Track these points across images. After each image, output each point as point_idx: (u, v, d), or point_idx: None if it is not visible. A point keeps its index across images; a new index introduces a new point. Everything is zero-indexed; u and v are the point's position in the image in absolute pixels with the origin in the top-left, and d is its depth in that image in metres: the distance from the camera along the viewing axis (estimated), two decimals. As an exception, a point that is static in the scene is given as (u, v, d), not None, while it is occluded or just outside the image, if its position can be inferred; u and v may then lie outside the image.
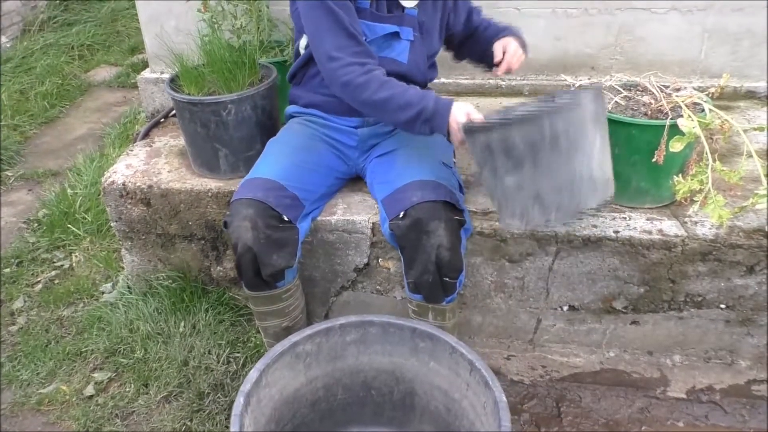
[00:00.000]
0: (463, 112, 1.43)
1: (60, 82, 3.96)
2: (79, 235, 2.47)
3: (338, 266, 1.79)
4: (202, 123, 1.81)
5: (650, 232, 1.60)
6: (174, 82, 1.88)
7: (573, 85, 1.65)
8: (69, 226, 2.50)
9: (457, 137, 1.44)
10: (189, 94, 1.81)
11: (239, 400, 1.32)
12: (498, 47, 1.69)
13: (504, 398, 1.29)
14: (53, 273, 2.36)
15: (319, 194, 1.67)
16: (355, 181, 1.83)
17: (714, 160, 1.42)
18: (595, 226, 1.62)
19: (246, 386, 1.35)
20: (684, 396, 1.76)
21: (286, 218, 1.52)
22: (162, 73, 2.41)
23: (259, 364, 1.40)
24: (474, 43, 1.81)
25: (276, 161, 1.62)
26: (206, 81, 1.83)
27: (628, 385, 1.80)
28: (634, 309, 1.71)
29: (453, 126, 1.44)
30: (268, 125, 1.86)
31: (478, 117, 1.43)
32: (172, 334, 1.96)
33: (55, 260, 2.43)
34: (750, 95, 2.22)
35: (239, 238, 1.49)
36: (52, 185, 2.89)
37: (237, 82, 1.79)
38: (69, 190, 2.71)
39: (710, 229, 1.59)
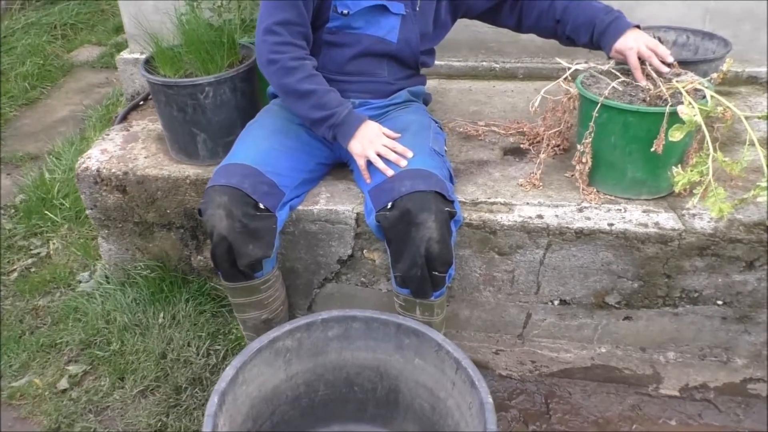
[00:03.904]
0: (374, 132, 1.49)
1: (41, 62, 3.85)
2: (57, 221, 2.39)
3: (321, 257, 1.72)
4: (178, 107, 1.72)
5: (646, 225, 1.53)
6: (149, 64, 1.79)
7: (568, 69, 1.57)
8: (46, 212, 2.42)
9: (360, 162, 1.51)
10: (165, 76, 1.72)
11: (213, 400, 1.26)
12: (631, 57, 1.53)
13: (490, 399, 1.23)
14: (30, 261, 2.28)
15: (299, 180, 1.59)
16: (340, 168, 1.75)
17: (715, 150, 1.35)
18: (588, 219, 1.55)
19: (221, 384, 1.29)
20: (677, 394, 1.71)
21: (262, 206, 1.45)
22: (141, 53, 2.32)
23: (236, 362, 1.34)
24: (543, 19, 1.69)
25: (253, 145, 1.54)
26: (183, 62, 1.74)
27: (619, 381, 1.75)
28: (627, 304, 1.64)
29: (355, 150, 1.50)
30: (248, 109, 1.78)
31: (391, 135, 1.51)
32: (150, 325, 1.89)
33: (31, 248, 2.35)
34: (752, 80, 2.15)
35: (214, 226, 1.41)
36: (30, 170, 2.80)
37: (215, 64, 1.70)
38: (47, 175, 2.62)
39: (709, 222, 1.52)
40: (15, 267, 2.25)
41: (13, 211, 2.55)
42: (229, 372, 1.31)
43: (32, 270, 2.24)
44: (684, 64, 1.59)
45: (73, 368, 1.80)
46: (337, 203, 1.64)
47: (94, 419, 1.65)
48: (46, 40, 4.12)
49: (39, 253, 2.31)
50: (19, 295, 2.11)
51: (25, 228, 2.42)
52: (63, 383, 1.76)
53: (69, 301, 2.03)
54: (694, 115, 1.31)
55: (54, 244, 2.32)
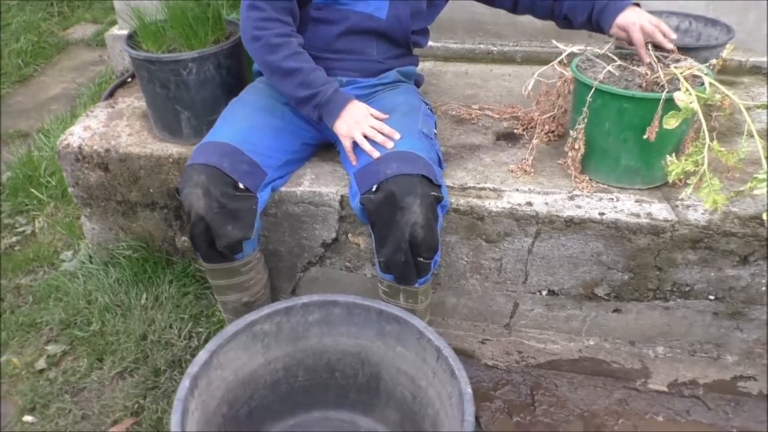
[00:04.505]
0: (360, 113, 1.45)
1: (36, 39, 3.79)
2: (43, 200, 2.35)
3: (305, 241, 1.68)
4: (161, 83, 1.67)
5: (638, 216, 1.48)
6: (132, 39, 1.74)
7: (563, 52, 1.52)
8: (32, 190, 2.38)
9: (345, 143, 1.47)
10: (148, 51, 1.67)
11: (185, 383, 1.23)
12: (635, 32, 1.47)
13: (469, 390, 1.19)
14: (14, 239, 2.25)
15: (283, 161, 1.55)
16: (327, 148, 1.70)
17: (711, 140, 1.30)
18: (579, 207, 1.51)
19: (193, 368, 1.26)
20: (665, 389, 1.67)
21: (242, 186, 1.41)
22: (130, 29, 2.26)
23: (210, 345, 1.31)
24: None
25: (234, 124, 1.50)
26: (167, 37, 1.69)
27: (607, 375, 1.71)
28: (617, 296, 1.60)
29: (340, 130, 1.46)
30: (234, 86, 1.73)
31: (379, 115, 1.47)
32: (132, 306, 1.86)
33: (17, 225, 2.32)
34: (756, 70, 2.09)
35: (191, 206, 1.37)
36: (20, 147, 2.75)
37: (199, 39, 1.65)
38: (35, 153, 2.58)
39: (703, 214, 1.47)
40: (-1, 244, 2.22)
41: (-1, 188, 2.52)
42: (202, 356, 1.28)
43: (16, 248, 2.21)
44: (685, 50, 1.54)
45: (52, 348, 1.77)
46: (321, 185, 1.60)
47: (70, 400, 1.62)
48: (42, 17, 4.06)
49: (24, 231, 2.28)
50: (2, 273, 2.08)
51: (11, 206, 2.39)
52: (41, 363, 1.73)
53: (51, 280, 2.00)
54: (691, 103, 1.26)
55: (39, 222, 2.28)
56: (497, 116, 1.88)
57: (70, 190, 1.91)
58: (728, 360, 1.66)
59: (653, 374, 1.69)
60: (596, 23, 1.55)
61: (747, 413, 1.60)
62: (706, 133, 1.30)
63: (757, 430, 1.56)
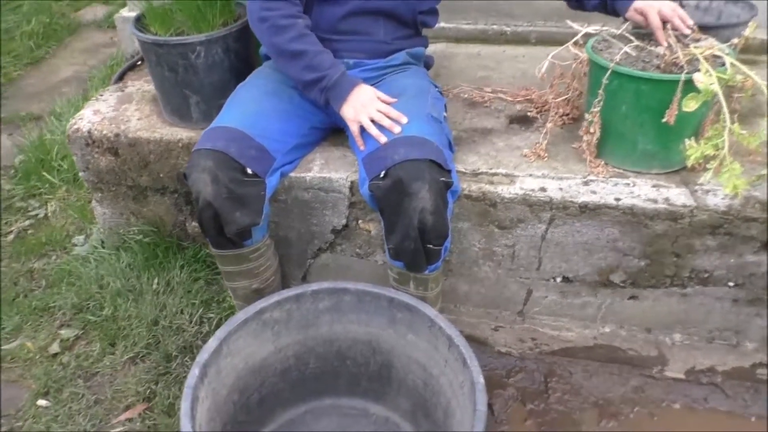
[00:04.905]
0: (368, 96, 1.42)
1: (48, 21, 3.77)
2: (55, 183, 2.36)
3: (315, 227, 1.66)
4: (169, 67, 1.65)
5: (655, 201, 1.44)
6: (140, 22, 1.72)
7: (579, 33, 1.47)
8: (44, 174, 2.39)
9: (352, 127, 1.44)
10: (155, 34, 1.65)
11: (194, 372, 1.23)
12: (652, 16, 1.43)
13: (482, 380, 1.18)
14: (27, 222, 2.26)
15: (291, 145, 1.53)
16: (337, 133, 1.67)
17: (732, 122, 1.25)
18: (594, 192, 1.47)
19: (203, 356, 1.26)
20: (682, 376, 1.64)
21: (250, 171, 1.39)
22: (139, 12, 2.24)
23: (220, 333, 1.31)
24: None
25: (241, 108, 1.48)
26: (175, 20, 1.66)
27: (622, 362, 1.68)
28: (633, 283, 1.57)
29: (347, 114, 1.43)
30: (243, 70, 1.70)
31: (386, 99, 1.44)
32: (143, 291, 1.86)
33: (30, 209, 2.33)
34: (779, 49, 2.02)
35: (199, 192, 1.36)
36: (32, 130, 2.76)
37: (207, 22, 1.62)
38: (48, 136, 2.58)
39: (723, 199, 1.43)
40: (12, 228, 2.23)
41: (12, 171, 2.52)
42: (212, 344, 1.28)
43: (29, 232, 2.22)
44: (705, 29, 1.48)
45: (65, 332, 1.78)
46: (331, 170, 1.57)
47: (83, 385, 1.64)
48: (53, -2, 4.05)
49: (37, 215, 2.28)
50: (15, 257, 2.09)
51: (24, 189, 2.39)
52: (54, 347, 1.74)
53: (64, 264, 2.00)
54: (711, 84, 1.22)
55: (52, 206, 2.29)
56: (510, 99, 1.84)
57: (80, 174, 1.91)
58: (747, 347, 1.63)
59: (670, 362, 1.66)
60: (611, 7, 1.50)
61: (766, 400, 1.57)
62: (727, 115, 1.25)
63: (776, 419, 1.53)
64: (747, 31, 1.32)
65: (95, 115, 1.86)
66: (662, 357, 1.67)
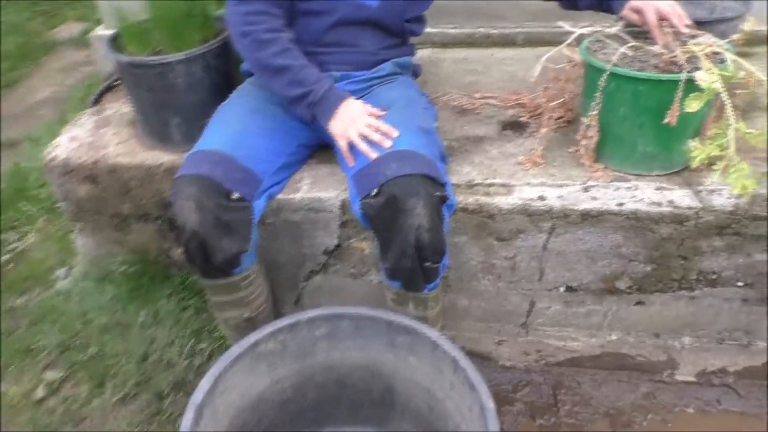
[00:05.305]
0: (356, 110, 1.37)
1: (22, 40, 3.69)
2: (33, 215, 2.27)
3: (306, 249, 1.59)
4: (148, 87, 1.58)
5: (659, 204, 1.39)
6: (116, 41, 1.64)
7: (570, 34, 1.42)
8: (22, 204, 2.30)
9: (341, 144, 1.38)
10: (132, 54, 1.57)
11: (189, 415, 1.15)
12: (649, 13, 1.39)
13: (491, 404, 1.12)
14: (6, 257, 2.17)
15: (278, 165, 1.46)
16: (325, 149, 1.61)
17: (737, 121, 1.20)
18: (595, 198, 1.42)
19: (198, 396, 1.19)
20: (694, 379, 1.60)
21: (237, 195, 1.32)
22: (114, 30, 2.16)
23: (214, 370, 1.24)
24: None
25: (224, 129, 1.41)
26: (152, 39, 1.59)
27: (631, 369, 1.63)
28: (639, 289, 1.52)
29: (335, 130, 1.37)
30: (224, 88, 1.62)
31: (376, 113, 1.39)
32: (130, 324, 1.78)
33: (9, 242, 2.23)
34: (770, 39, 1.98)
35: (185, 220, 1.29)
36: (9, 157, 2.67)
37: (185, 40, 1.55)
38: (23, 164, 2.49)
39: (729, 199, 1.38)
40: (-9, 265, 2.14)
41: (-12, 203, 2.43)
42: (205, 383, 1.21)
43: (9, 267, 2.13)
44: (699, 24, 1.43)
45: (50, 375, 1.69)
46: (320, 190, 1.51)
47: (72, 431, 1.55)
48: (27, 17, 3.95)
49: (16, 249, 2.19)
50: (-3, 295, 2.01)
51: (2, 221, 2.30)
52: (39, 392, 1.65)
53: (46, 300, 1.92)
54: (714, 83, 1.17)
55: (31, 238, 2.20)
56: (501, 104, 1.78)
57: (60, 204, 1.83)
58: (759, 346, 1.59)
59: (680, 365, 1.61)
60: (605, 5, 1.45)
61: (781, 401, 1.53)
62: (732, 113, 1.20)
63: (792, 418, 1.49)
64: (746, 26, 1.27)
65: (72, 142, 1.78)
66: (672, 361, 1.62)
